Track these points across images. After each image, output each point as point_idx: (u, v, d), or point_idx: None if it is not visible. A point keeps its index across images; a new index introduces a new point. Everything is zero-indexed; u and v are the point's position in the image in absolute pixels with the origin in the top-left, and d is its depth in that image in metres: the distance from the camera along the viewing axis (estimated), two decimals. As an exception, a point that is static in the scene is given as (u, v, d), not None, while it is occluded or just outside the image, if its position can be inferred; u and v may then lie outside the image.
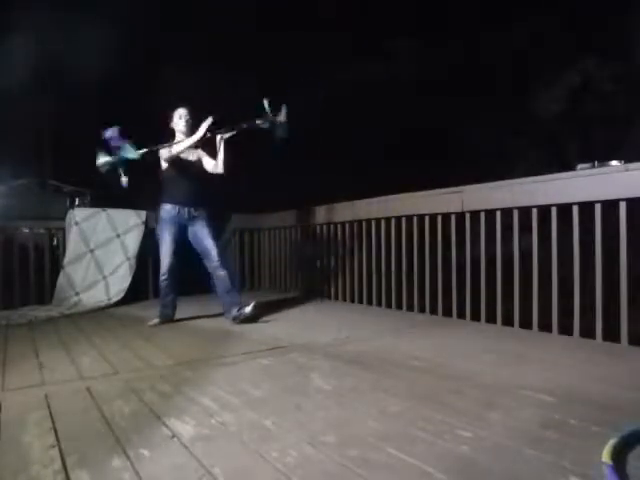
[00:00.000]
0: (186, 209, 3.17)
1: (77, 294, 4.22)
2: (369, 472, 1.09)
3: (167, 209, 3.16)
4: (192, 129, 3.12)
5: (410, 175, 5.59)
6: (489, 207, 3.06)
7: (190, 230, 3.20)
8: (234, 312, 3.10)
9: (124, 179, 3.09)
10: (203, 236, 3.18)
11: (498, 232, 3.02)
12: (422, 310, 3.48)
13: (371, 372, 1.94)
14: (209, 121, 3.04)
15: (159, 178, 3.23)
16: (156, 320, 3.16)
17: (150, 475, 1.10)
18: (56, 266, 4.37)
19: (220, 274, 3.14)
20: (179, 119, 3.18)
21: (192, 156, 3.23)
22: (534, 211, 2.81)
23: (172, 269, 3.13)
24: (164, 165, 3.18)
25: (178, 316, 3.27)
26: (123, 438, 1.30)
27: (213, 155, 3.22)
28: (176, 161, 3.15)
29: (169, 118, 3.21)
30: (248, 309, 3.09)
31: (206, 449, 1.23)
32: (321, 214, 4.56)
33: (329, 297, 4.46)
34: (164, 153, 3.14)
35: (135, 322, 3.35)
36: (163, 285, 3.16)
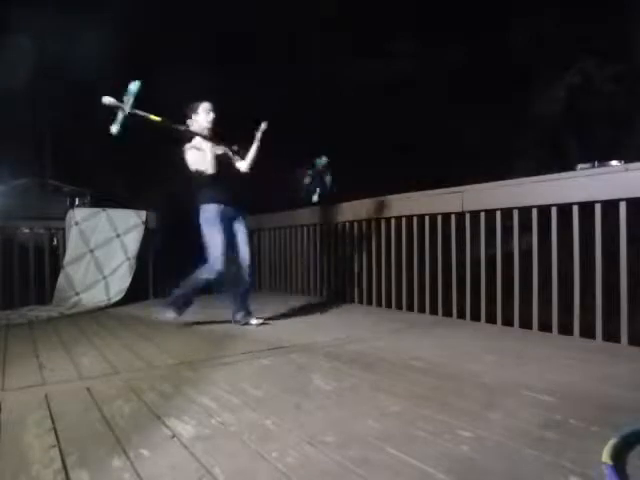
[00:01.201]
0: (230, 209, 3.03)
1: (77, 294, 4.22)
2: (369, 472, 1.09)
3: (213, 208, 2.99)
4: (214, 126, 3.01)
5: (410, 175, 5.59)
6: (489, 207, 3.06)
7: (231, 230, 3.07)
8: (238, 316, 3.07)
9: (114, 127, 2.76)
10: (243, 239, 3.10)
11: (498, 232, 3.02)
12: (422, 310, 3.48)
13: (371, 372, 1.94)
14: (264, 127, 3.09)
15: (195, 176, 2.99)
16: (173, 314, 3.06)
17: (150, 475, 1.10)
18: (56, 266, 4.37)
19: (246, 280, 3.08)
20: (206, 113, 2.98)
21: (225, 154, 3.07)
22: (534, 211, 2.81)
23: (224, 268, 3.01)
24: (202, 164, 2.92)
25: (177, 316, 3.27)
26: (123, 438, 1.30)
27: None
28: (222, 160, 2.99)
29: (191, 110, 3.00)
30: (253, 322, 3.06)
31: (206, 449, 1.23)
32: (321, 214, 4.56)
33: (329, 297, 4.45)
34: (200, 151, 2.92)
35: (135, 322, 3.35)
36: (210, 283, 3.03)
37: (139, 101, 2.77)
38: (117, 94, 2.75)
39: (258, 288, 5.44)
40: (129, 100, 2.74)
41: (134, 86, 2.76)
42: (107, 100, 2.71)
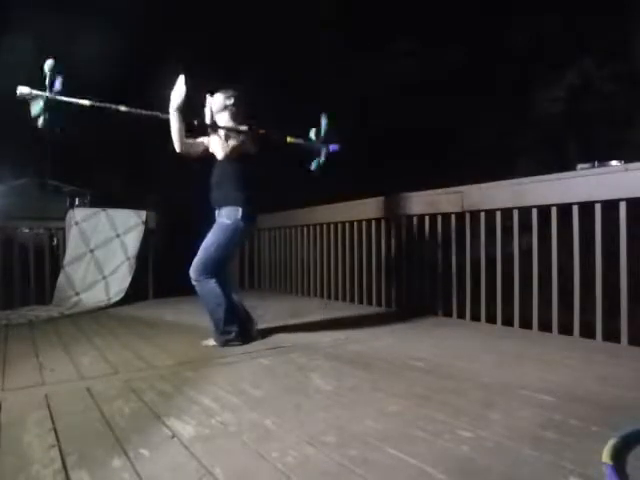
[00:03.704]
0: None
1: (77, 294, 4.22)
2: (369, 472, 1.09)
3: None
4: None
5: (410, 175, 5.59)
6: (489, 207, 3.06)
7: None
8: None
9: (39, 119, 2.35)
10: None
11: (498, 232, 3.02)
12: (422, 310, 3.48)
13: (371, 372, 1.94)
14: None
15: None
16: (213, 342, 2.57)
17: (150, 475, 1.10)
18: (56, 266, 4.37)
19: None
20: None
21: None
22: (534, 211, 2.81)
23: None
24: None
25: (177, 317, 3.26)
26: (123, 438, 1.30)
27: None
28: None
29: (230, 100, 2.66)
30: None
31: (206, 449, 1.23)
32: (320, 214, 4.56)
33: (329, 297, 4.45)
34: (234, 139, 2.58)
35: (135, 322, 3.36)
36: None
37: (63, 84, 2.39)
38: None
39: (258, 287, 5.45)
40: (47, 83, 2.35)
41: (48, 65, 2.37)
42: (22, 90, 2.32)
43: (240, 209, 2.56)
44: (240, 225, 2.57)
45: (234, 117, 2.67)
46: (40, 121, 2.36)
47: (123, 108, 2.45)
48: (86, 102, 2.42)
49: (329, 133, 2.76)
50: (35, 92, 2.34)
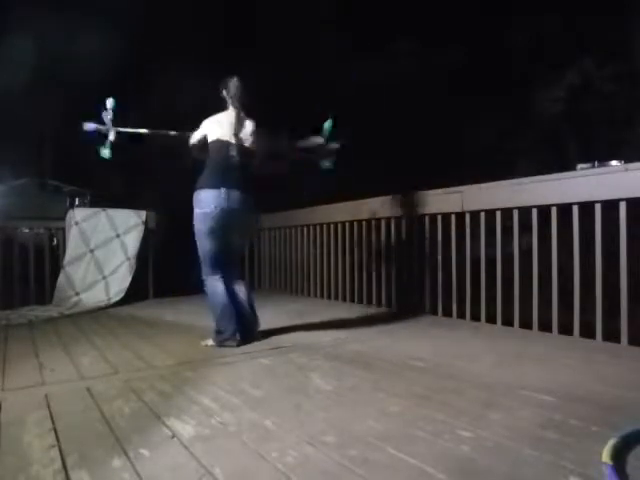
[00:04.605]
0: None
1: (77, 294, 4.22)
2: (369, 472, 1.09)
3: None
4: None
5: (410, 175, 5.59)
6: (489, 207, 3.06)
7: None
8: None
9: (106, 152, 2.78)
10: None
11: (498, 232, 3.02)
12: (422, 310, 3.48)
13: (371, 372, 1.94)
14: None
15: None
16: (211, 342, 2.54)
17: (150, 475, 1.10)
18: (56, 266, 4.37)
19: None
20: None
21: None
22: (534, 211, 2.81)
23: None
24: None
25: (177, 316, 3.25)
26: (123, 438, 1.30)
27: None
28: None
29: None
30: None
31: (206, 449, 1.23)
32: (320, 214, 4.56)
33: (329, 297, 4.45)
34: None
35: (135, 322, 3.35)
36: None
37: (117, 117, 2.80)
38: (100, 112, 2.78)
39: (258, 287, 5.45)
40: (110, 119, 2.76)
41: (110, 103, 2.75)
42: (89, 127, 2.73)
43: (196, 192, 2.51)
44: (199, 209, 2.48)
45: (227, 98, 2.65)
46: (107, 153, 2.80)
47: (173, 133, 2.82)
48: (144, 131, 2.84)
49: (332, 134, 2.99)
50: (101, 127, 2.78)
